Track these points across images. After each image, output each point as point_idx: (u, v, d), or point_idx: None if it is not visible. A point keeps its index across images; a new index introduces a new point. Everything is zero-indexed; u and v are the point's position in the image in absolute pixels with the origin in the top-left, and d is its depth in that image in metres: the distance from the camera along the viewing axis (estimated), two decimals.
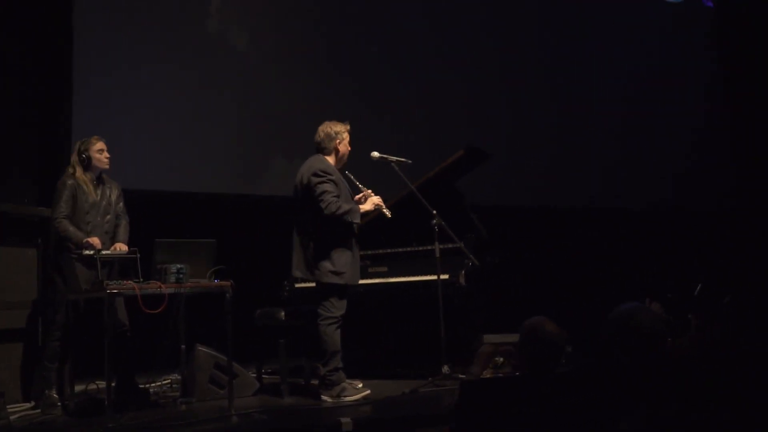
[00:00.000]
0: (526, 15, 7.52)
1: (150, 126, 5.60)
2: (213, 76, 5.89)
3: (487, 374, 4.19)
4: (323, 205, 4.05)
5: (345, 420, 3.46)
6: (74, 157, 4.29)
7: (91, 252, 3.91)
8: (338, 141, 4.25)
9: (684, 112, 8.27)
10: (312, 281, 4.36)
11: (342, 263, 4.13)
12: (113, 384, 3.84)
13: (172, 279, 3.81)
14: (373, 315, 4.65)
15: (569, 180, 7.49)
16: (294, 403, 4.15)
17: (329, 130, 4.26)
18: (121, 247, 4.12)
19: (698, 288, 3.77)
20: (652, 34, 8.22)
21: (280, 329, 4.53)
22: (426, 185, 4.80)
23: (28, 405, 4.26)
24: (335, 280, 4.13)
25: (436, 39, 6.96)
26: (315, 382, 4.42)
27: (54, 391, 4.18)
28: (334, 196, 4.08)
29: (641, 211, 7.70)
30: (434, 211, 4.44)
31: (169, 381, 4.67)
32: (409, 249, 4.95)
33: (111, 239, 4.25)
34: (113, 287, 3.71)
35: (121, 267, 4.18)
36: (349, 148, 4.31)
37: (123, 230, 4.33)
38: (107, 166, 4.32)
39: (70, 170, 4.26)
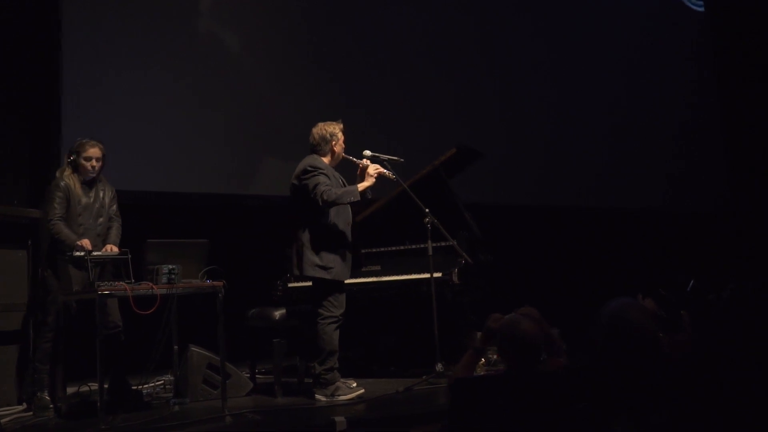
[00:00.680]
0: (521, 14, 7.52)
1: (141, 126, 5.57)
2: (204, 76, 5.86)
3: (480, 371, 4.19)
4: (318, 198, 4.05)
5: (339, 419, 3.46)
6: (65, 157, 4.26)
7: (82, 253, 3.89)
8: (333, 142, 4.26)
9: (677, 112, 8.29)
10: (307, 280, 4.35)
11: (330, 258, 4.13)
12: (106, 385, 3.83)
13: (164, 279, 3.80)
14: (367, 314, 4.64)
15: (563, 179, 7.50)
16: (288, 403, 4.14)
17: (323, 132, 4.26)
18: (112, 249, 4.10)
19: (691, 284, 3.78)
20: (645, 34, 8.24)
21: (273, 329, 4.52)
22: (418, 183, 4.80)
23: (20, 407, 4.24)
24: (321, 274, 4.12)
25: (428, 37, 6.96)
26: (309, 380, 4.41)
27: (46, 393, 4.15)
28: (327, 186, 4.08)
29: (634, 210, 7.73)
30: (427, 210, 4.44)
31: (162, 382, 4.65)
32: (402, 247, 4.95)
33: (103, 242, 4.22)
34: (104, 288, 3.70)
35: (113, 268, 4.16)
36: (344, 146, 4.30)
37: (115, 232, 4.30)
38: (93, 175, 4.25)
39: (62, 170, 4.24)
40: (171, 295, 3.97)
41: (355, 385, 4.24)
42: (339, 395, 4.08)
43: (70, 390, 4.27)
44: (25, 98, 5.05)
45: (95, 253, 3.95)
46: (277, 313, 4.53)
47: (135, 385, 4.35)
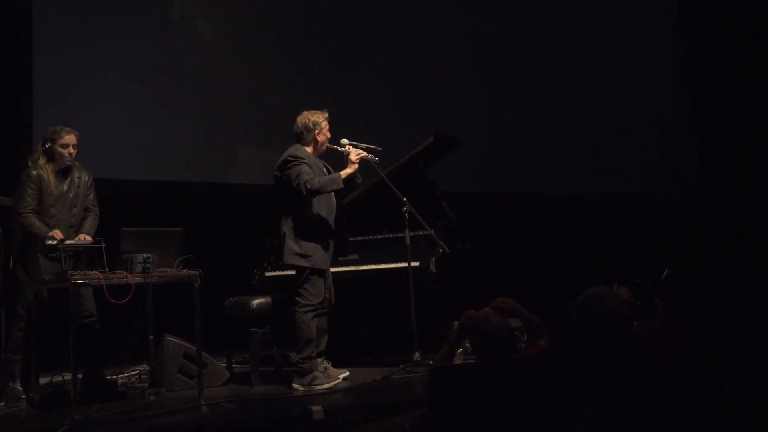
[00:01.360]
0: (505, 6, 7.51)
1: (115, 115, 5.50)
2: (179, 64, 5.79)
3: (457, 360, 4.21)
4: (302, 187, 4.03)
5: (316, 408, 3.46)
6: (39, 146, 4.18)
7: (54, 242, 3.83)
8: (317, 131, 4.24)
9: (657, 104, 8.36)
10: (289, 269, 4.33)
11: (310, 247, 4.12)
12: (79, 375, 3.79)
13: (139, 268, 3.76)
14: (344, 303, 4.63)
15: (539, 168, 7.54)
16: (264, 392, 4.13)
17: (306, 120, 4.24)
18: (85, 238, 4.04)
19: (665, 273, 3.83)
20: (625, 23, 8.28)
21: (250, 318, 4.50)
22: (396, 172, 4.79)
23: None
24: (301, 262, 4.12)
25: (408, 23, 6.93)
26: (287, 369, 4.41)
27: (18, 384, 4.10)
28: (309, 175, 4.06)
29: (613, 198, 7.79)
30: (404, 199, 4.44)
31: (137, 372, 4.62)
32: (379, 236, 4.94)
33: (76, 233, 4.16)
34: (77, 277, 3.65)
35: (88, 258, 4.10)
36: (329, 136, 4.29)
37: (90, 222, 4.24)
38: (69, 163, 4.18)
39: (35, 158, 4.16)
40: (146, 285, 3.93)
41: (347, 374, 4.21)
42: (316, 385, 4.08)
43: (43, 380, 4.22)
44: None
45: (68, 242, 3.90)
46: (255, 303, 4.51)
47: (110, 375, 4.32)
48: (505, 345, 2.71)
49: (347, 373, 4.27)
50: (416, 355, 4.35)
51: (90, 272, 3.71)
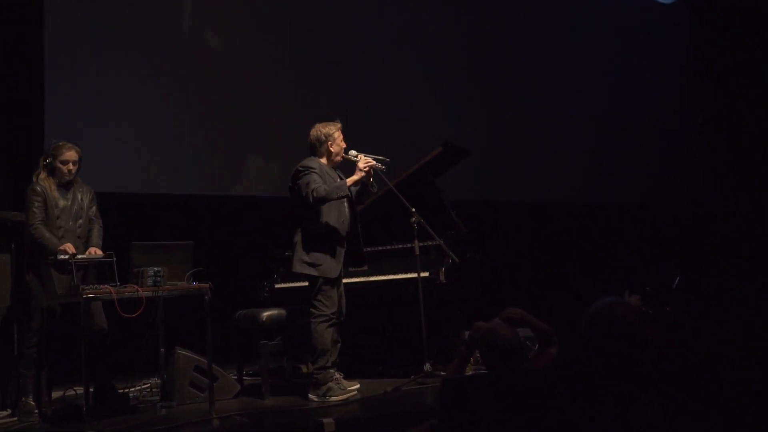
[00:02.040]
0: (503, 11, 7.53)
1: (124, 128, 5.52)
2: (187, 76, 5.83)
3: (469, 370, 4.20)
4: (309, 196, 4.05)
5: (327, 421, 3.45)
6: (41, 160, 4.21)
7: (66, 257, 3.85)
8: (329, 143, 4.27)
9: (660, 109, 8.35)
10: (299, 280, 4.34)
11: (318, 256, 4.14)
12: (91, 389, 3.80)
13: (150, 282, 3.78)
14: (354, 314, 4.63)
15: (548, 176, 7.53)
16: (276, 405, 4.13)
17: (318, 133, 4.28)
18: (96, 251, 4.06)
19: (676, 281, 3.81)
20: (628, 31, 8.28)
21: (260, 330, 4.50)
22: (405, 183, 4.80)
23: (5, 413, 4.19)
24: (309, 270, 4.13)
25: (413, 35, 6.95)
26: (297, 381, 4.41)
27: (31, 398, 4.11)
28: (317, 184, 4.09)
29: (620, 206, 7.77)
30: (413, 209, 4.44)
31: (148, 385, 4.62)
32: (388, 247, 4.94)
33: (84, 244, 4.18)
34: (89, 292, 3.67)
35: (97, 272, 4.12)
36: (343, 146, 4.31)
37: (96, 234, 4.26)
38: (69, 178, 4.20)
39: (37, 174, 4.19)
40: (157, 298, 3.95)
41: (357, 386, 4.22)
42: (330, 396, 4.07)
43: (55, 394, 4.23)
44: (6, 100, 4.99)
45: (80, 257, 3.92)
46: (265, 315, 4.51)
47: (121, 389, 4.33)
48: (515, 355, 2.71)
49: (358, 385, 4.27)
50: (427, 366, 4.34)
51: (101, 286, 3.73)
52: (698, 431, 2.14)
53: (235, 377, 4.56)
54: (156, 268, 3.80)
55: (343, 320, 4.33)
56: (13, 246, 4.41)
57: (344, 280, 4.43)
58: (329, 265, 4.16)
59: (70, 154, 4.17)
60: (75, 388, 4.17)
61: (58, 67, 5.23)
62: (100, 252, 4.07)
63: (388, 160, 4.36)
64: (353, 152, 4.33)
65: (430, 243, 4.62)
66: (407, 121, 6.71)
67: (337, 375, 4.24)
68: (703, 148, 8.52)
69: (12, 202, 4.52)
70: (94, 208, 4.32)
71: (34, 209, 4.09)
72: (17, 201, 4.43)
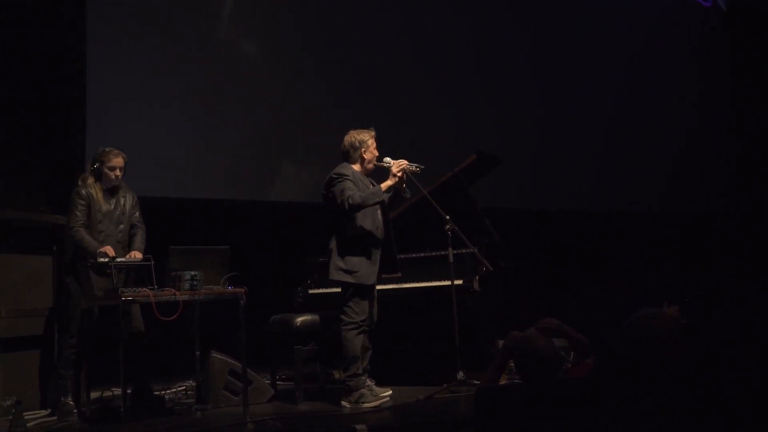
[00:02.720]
0: (522, 17, 7.48)
1: (161, 133, 5.62)
2: (224, 82, 5.91)
3: (503, 380, 4.17)
4: (345, 203, 4.08)
5: (360, 427, 3.46)
6: (89, 165, 4.32)
7: (106, 260, 3.93)
8: (363, 149, 4.29)
9: (684, 113, 8.21)
10: (335, 286, 4.36)
11: (354, 262, 4.15)
12: (129, 391, 3.86)
13: (187, 286, 3.83)
14: (387, 321, 4.63)
15: (585, 183, 7.46)
16: (309, 410, 4.15)
17: (353, 139, 4.30)
18: (136, 255, 4.14)
19: (715, 291, 3.73)
20: (645, 33, 8.16)
21: (294, 335, 4.53)
22: (438, 190, 4.79)
23: (45, 412, 4.28)
24: (345, 278, 4.14)
25: (441, 44, 6.96)
26: (330, 386, 4.42)
27: (70, 399, 4.19)
28: (352, 191, 4.11)
29: (659, 214, 7.65)
30: (447, 216, 4.43)
31: (184, 388, 4.68)
32: (422, 254, 4.94)
33: (124, 248, 4.26)
34: (128, 295, 3.73)
35: (135, 275, 4.20)
36: (376, 154, 4.33)
37: (139, 239, 4.34)
38: (116, 184, 4.30)
39: (84, 177, 4.29)
40: (193, 302, 4.00)
41: (390, 393, 4.22)
42: (363, 402, 4.08)
43: (93, 395, 4.30)
44: (49, 106, 5.11)
45: (119, 260, 3.99)
46: (298, 320, 4.54)
47: (157, 391, 4.39)
48: (551, 365, 2.68)
49: (390, 392, 4.26)
50: (460, 375, 4.32)
51: (140, 289, 3.80)
52: None
53: (269, 382, 4.59)
54: (193, 272, 3.85)
55: (374, 327, 4.34)
56: (54, 248, 4.51)
57: (377, 287, 4.44)
58: (365, 271, 4.17)
59: (117, 161, 4.27)
60: (113, 389, 4.24)
61: (98, 76, 5.34)
62: (139, 255, 4.14)
63: (422, 167, 4.36)
64: (387, 159, 4.34)
65: (463, 250, 4.60)
66: (439, 128, 6.71)
67: (368, 382, 4.24)
68: (732, 153, 8.33)
69: (53, 206, 4.62)
70: (137, 214, 4.40)
71: (77, 212, 4.18)
72: (58, 205, 4.53)
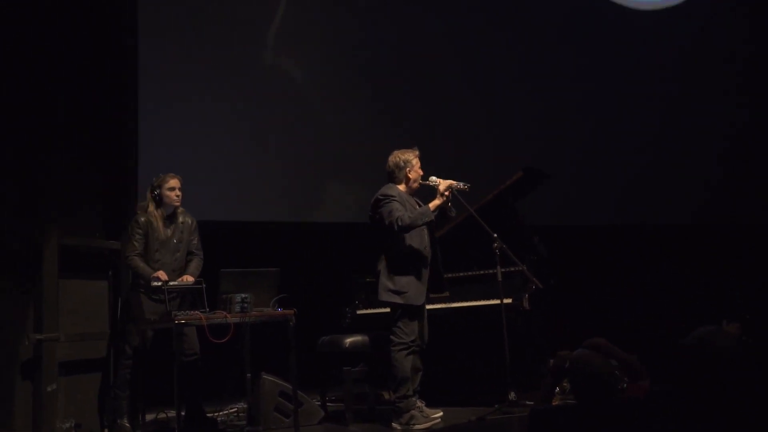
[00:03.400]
0: (560, 37, 7.41)
1: (211, 158, 5.74)
2: (270, 106, 6.02)
3: (555, 401, 4.09)
4: (394, 225, 4.08)
5: None
6: (148, 194, 4.44)
7: (159, 283, 4.02)
8: (408, 169, 4.30)
9: (733, 123, 7.99)
10: (383, 306, 4.36)
11: (403, 283, 4.14)
12: (182, 413, 3.91)
13: (237, 309, 3.88)
14: (436, 341, 4.60)
15: (633, 197, 7.31)
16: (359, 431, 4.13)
17: (397, 159, 4.31)
18: (188, 279, 4.22)
19: None
20: (680, 48, 8.00)
21: (343, 356, 4.53)
22: (485, 208, 4.77)
23: None
24: (395, 299, 4.14)
25: (486, 63, 6.95)
26: (380, 408, 4.40)
27: (126, 420, 4.27)
28: (400, 212, 4.11)
29: (714, 227, 7.43)
30: (495, 234, 4.39)
31: (235, 410, 4.72)
32: (470, 273, 4.90)
33: (178, 276, 4.34)
34: (180, 318, 3.80)
35: (191, 298, 4.28)
36: (421, 173, 4.34)
37: (194, 265, 4.41)
38: (177, 204, 4.41)
39: (144, 206, 4.41)
40: (244, 324, 4.04)
41: (440, 414, 4.18)
42: (414, 424, 4.05)
43: (148, 417, 4.37)
44: (103, 133, 5.26)
45: (172, 283, 4.08)
46: (348, 341, 4.54)
47: (210, 413, 4.44)
48: (607, 385, 2.61)
49: (441, 413, 4.22)
50: (511, 395, 4.26)
51: (192, 312, 3.87)
52: None
53: (319, 403, 4.60)
54: (243, 295, 3.90)
55: (425, 348, 4.31)
56: (110, 273, 4.63)
57: (427, 307, 4.42)
58: (414, 291, 4.16)
59: (174, 182, 4.40)
60: (167, 411, 4.31)
61: (150, 102, 5.49)
62: (191, 279, 4.22)
63: (469, 184, 4.34)
64: (433, 178, 4.34)
65: (512, 268, 4.55)
66: (483, 146, 6.68)
67: (419, 403, 4.21)
68: None
69: (110, 232, 4.75)
70: (195, 240, 4.48)
71: (134, 241, 4.29)
72: (116, 231, 4.65)
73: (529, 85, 7.10)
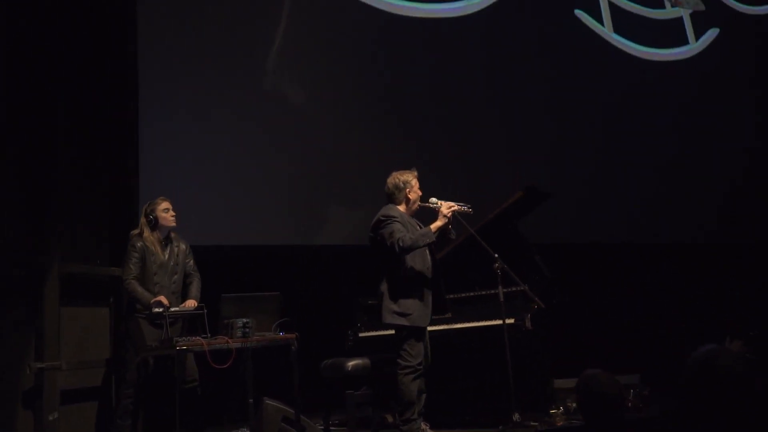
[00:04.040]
0: (570, 52, 7.46)
1: (212, 182, 5.74)
2: (271, 130, 6.03)
3: (560, 422, 4.06)
4: (396, 246, 4.08)
5: None
6: (142, 219, 4.45)
7: (160, 310, 4.01)
8: (407, 190, 4.31)
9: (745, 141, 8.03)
10: (388, 329, 4.34)
11: (408, 305, 4.12)
12: None
13: (239, 333, 3.87)
14: (438, 362, 4.57)
15: (634, 215, 7.31)
16: None
17: (396, 180, 4.32)
18: (192, 304, 4.22)
19: None
20: (697, 65, 8.06)
21: (346, 380, 4.51)
22: (486, 228, 4.76)
23: None
24: (400, 321, 4.12)
25: (485, 82, 6.98)
26: (384, 431, 4.36)
27: None
28: (402, 233, 4.11)
29: (717, 244, 7.41)
30: (496, 255, 4.39)
31: None
32: (472, 294, 4.89)
33: (178, 298, 4.35)
34: (182, 344, 3.78)
35: (190, 323, 4.27)
36: (420, 193, 4.35)
37: (194, 288, 4.43)
38: (173, 224, 4.46)
39: (137, 231, 4.42)
40: (246, 349, 4.03)
41: None
42: None
43: None
44: (103, 161, 5.29)
45: (173, 309, 4.07)
46: (350, 364, 4.51)
47: None
48: (616, 405, 2.57)
49: None
50: (515, 416, 4.22)
51: (193, 338, 3.86)
52: None
53: (322, 427, 4.56)
54: (245, 320, 3.89)
55: (428, 369, 4.28)
56: (111, 300, 4.62)
57: (429, 328, 4.40)
58: (419, 313, 4.14)
59: (167, 204, 4.46)
60: None
61: (150, 128, 5.52)
62: (195, 304, 4.22)
63: (470, 206, 4.34)
64: (433, 199, 4.34)
65: (514, 288, 4.54)
66: (481, 167, 6.69)
67: (423, 426, 4.18)
68: None
69: (112, 259, 4.76)
70: (191, 262, 4.51)
71: (131, 265, 4.30)
72: (117, 258, 4.66)
73: (528, 103, 7.12)
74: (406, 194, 4.31)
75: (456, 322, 4.79)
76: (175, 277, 4.41)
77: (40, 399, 4.04)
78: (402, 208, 4.31)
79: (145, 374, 4.27)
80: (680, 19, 8.20)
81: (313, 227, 6.21)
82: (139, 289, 4.25)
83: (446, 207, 4.20)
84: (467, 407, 4.93)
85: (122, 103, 5.42)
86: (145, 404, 4.31)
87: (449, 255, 4.90)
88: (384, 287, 4.19)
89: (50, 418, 4.01)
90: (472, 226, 4.50)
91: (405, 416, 4.05)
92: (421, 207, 4.34)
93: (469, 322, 4.76)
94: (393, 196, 4.33)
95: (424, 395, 4.22)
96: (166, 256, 4.40)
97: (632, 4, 7.84)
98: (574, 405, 4.24)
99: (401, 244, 4.06)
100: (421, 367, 4.14)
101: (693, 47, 8.14)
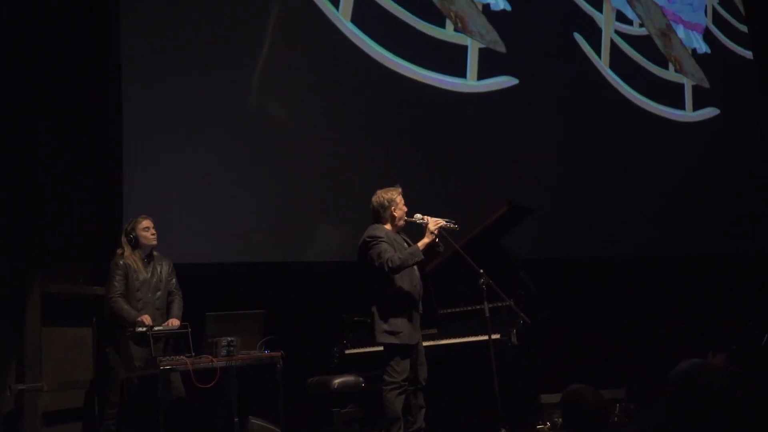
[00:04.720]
0: (573, 65, 7.54)
1: (197, 200, 5.72)
2: (256, 148, 6.01)
3: None
4: (384, 266, 4.08)
5: None
6: (123, 238, 4.43)
7: (144, 329, 3.98)
8: (393, 208, 4.32)
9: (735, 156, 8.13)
10: (379, 346, 4.34)
11: (397, 323, 4.13)
12: None
13: (224, 352, 3.86)
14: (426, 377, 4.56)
15: (617, 229, 7.36)
16: None
17: (381, 199, 4.33)
18: (174, 323, 4.19)
19: (766, 337, 3.60)
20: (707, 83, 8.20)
21: (332, 397, 4.49)
22: (471, 244, 4.77)
23: None
24: (390, 339, 4.12)
25: (475, 95, 7.03)
26: None
27: None
28: (389, 253, 4.11)
29: (698, 258, 7.48)
30: (481, 270, 4.39)
31: None
32: (457, 309, 4.89)
33: (162, 315, 4.32)
34: (166, 363, 3.75)
35: (174, 342, 4.23)
36: (405, 210, 4.36)
37: (177, 306, 4.40)
38: (154, 242, 4.43)
39: (120, 251, 4.39)
40: (230, 367, 4.00)
41: None
42: None
43: None
44: (87, 180, 5.27)
45: (157, 328, 4.04)
46: (336, 381, 4.50)
47: None
48: (600, 418, 2.58)
49: None
50: (502, 431, 4.21)
51: (178, 357, 3.83)
52: None
53: None
54: (229, 338, 3.87)
55: (425, 385, 4.28)
56: (94, 319, 4.58)
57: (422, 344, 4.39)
58: (408, 331, 4.15)
59: (147, 222, 4.45)
60: None
61: (134, 146, 5.49)
62: (177, 323, 4.18)
63: (454, 222, 4.35)
64: (419, 215, 4.35)
65: (499, 303, 4.54)
66: (472, 181, 6.72)
67: None
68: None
69: (95, 278, 4.72)
70: (173, 280, 4.49)
71: (115, 282, 4.27)
72: (100, 277, 4.63)
73: (520, 118, 7.18)
74: (392, 212, 4.32)
75: (442, 338, 4.79)
76: (159, 293, 4.39)
77: (21, 421, 3.98)
78: (388, 226, 4.32)
79: (128, 395, 4.22)
80: (681, 86, 8.29)
81: (298, 244, 6.19)
82: (125, 307, 4.23)
83: (433, 224, 4.21)
84: (454, 423, 4.91)
85: (106, 120, 5.40)
86: (129, 424, 4.25)
87: (436, 269, 4.91)
88: (374, 308, 4.19)
89: None
90: (457, 241, 4.51)
91: None
92: (407, 222, 4.35)
93: (455, 337, 4.76)
94: (378, 215, 4.34)
95: (423, 410, 4.22)
96: (149, 273, 4.38)
97: (637, 54, 7.92)
98: (561, 420, 4.24)
99: (390, 264, 4.07)
100: (406, 383, 4.13)
101: (689, 114, 8.23)
